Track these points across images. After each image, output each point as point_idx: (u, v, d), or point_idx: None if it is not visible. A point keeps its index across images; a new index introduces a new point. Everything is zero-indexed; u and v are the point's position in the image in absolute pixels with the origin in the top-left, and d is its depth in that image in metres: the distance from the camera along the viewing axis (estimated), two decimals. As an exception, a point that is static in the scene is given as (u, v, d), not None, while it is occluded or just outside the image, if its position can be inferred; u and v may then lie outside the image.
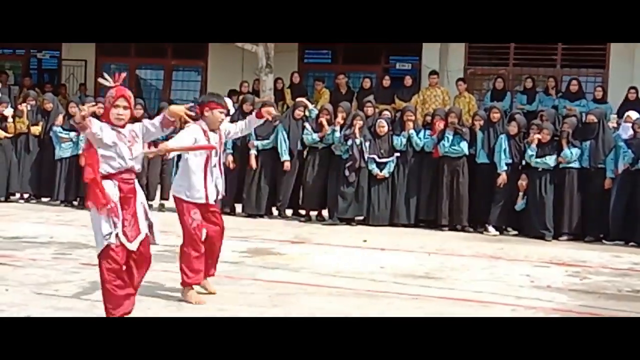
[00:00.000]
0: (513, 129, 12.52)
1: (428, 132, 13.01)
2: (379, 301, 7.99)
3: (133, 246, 6.33)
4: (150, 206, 13.29)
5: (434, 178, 12.85)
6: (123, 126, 6.35)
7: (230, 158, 13.27)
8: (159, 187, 13.82)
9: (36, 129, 14.09)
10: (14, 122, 14.03)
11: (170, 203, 13.63)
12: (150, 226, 6.50)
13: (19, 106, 14.41)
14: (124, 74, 6.41)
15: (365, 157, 12.76)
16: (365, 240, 11.42)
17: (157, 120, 6.55)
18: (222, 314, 7.23)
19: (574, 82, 16.74)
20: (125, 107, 6.33)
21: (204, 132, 7.66)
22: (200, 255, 7.74)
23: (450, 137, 12.61)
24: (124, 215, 6.30)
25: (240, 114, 13.70)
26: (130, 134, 6.38)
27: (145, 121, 6.61)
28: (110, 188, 6.27)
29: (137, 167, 6.46)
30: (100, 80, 6.53)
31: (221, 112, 7.76)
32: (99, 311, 7.19)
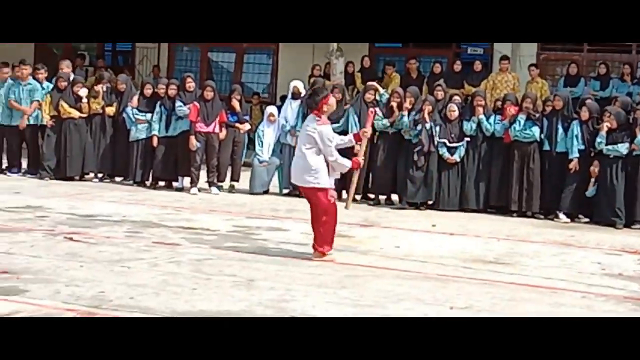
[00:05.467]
0: (584, 114, 12.36)
1: (498, 117, 12.91)
2: (449, 285, 7.97)
3: None
4: (220, 187, 13.57)
5: (505, 164, 12.74)
6: None
7: (300, 141, 13.35)
8: (229, 168, 13.94)
9: (110, 110, 14.32)
10: (88, 102, 14.27)
11: (239, 185, 13.82)
12: None
13: (94, 87, 14.66)
14: None
15: (435, 142, 12.71)
16: (434, 225, 11.40)
17: None
18: (291, 295, 7.30)
19: (650, 68, 16.47)
20: None
21: None
22: None
23: (522, 122, 12.49)
24: None
25: (310, 97, 13.76)
26: None
27: None
28: None
29: None
30: None
31: (335, 95, 9.37)
32: (170, 288, 7.33)
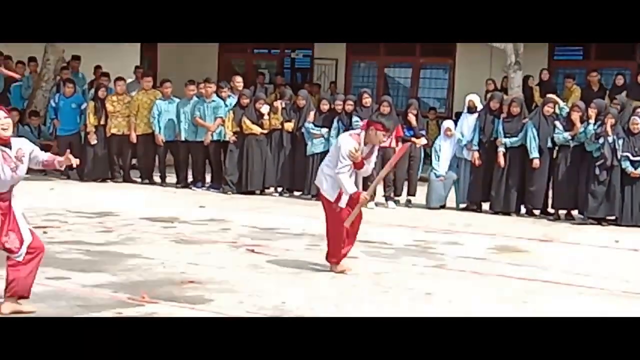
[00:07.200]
0: None
1: (688, 130, 12.39)
2: (635, 302, 7.73)
3: (20, 257, 6.35)
4: (397, 202, 13.60)
5: (694, 178, 12.21)
6: (7, 139, 6.22)
7: (477, 155, 13.25)
8: (406, 182, 13.96)
9: (289, 126, 14.62)
10: (269, 118, 14.63)
11: (416, 199, 13.83)
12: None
13: (274, 103, 15.02)
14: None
15: (618, 155, 12.34)
16: (617, 241, 11.05)
17: (44, 157, 6.44)
18: (470, 310, 7.25)
19: None
20: (5, 117, 6.20)
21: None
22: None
23: None
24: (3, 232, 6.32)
25: (487, 112, 13.63)
26: (18, 153, 6.25)
27: (36, 150, 6.44)
28: None
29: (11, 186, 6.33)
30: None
31: (384, 135, 8.42)
32: (350, 298, 7.42)
